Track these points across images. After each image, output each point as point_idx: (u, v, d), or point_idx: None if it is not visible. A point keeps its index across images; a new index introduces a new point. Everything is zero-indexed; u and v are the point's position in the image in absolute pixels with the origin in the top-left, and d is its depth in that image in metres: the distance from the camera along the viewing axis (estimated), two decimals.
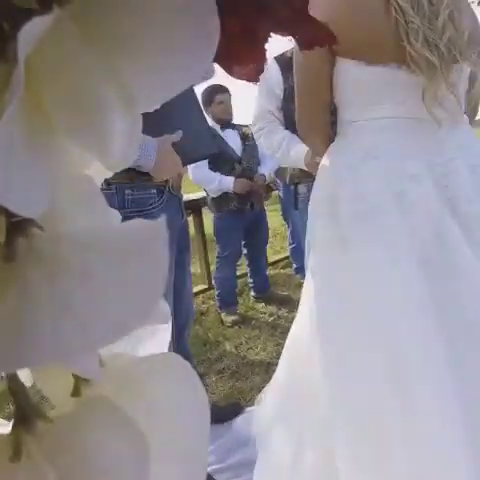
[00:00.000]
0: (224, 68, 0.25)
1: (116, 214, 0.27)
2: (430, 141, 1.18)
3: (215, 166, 3.12)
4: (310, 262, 1.30)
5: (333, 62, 1.20)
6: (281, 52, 2.17)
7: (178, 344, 1.82)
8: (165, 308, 0.26)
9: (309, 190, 1.44)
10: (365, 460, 1.11)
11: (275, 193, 4.10)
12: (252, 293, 3.69)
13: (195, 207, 3.80)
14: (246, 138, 3.34)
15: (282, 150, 2.01)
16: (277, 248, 5.03)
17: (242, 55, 0.25)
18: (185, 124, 1.55)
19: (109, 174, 0.27)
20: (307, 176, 1.92)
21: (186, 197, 3.42)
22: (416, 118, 1.17)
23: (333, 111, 1.28)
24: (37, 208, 0.18)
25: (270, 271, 4.38)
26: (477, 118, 1.48)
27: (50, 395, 0.23)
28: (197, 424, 0.23)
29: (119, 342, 0.20)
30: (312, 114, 1.28)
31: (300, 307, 1.39)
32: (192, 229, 3.80)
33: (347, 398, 1.15)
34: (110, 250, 0.18)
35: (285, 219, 4.12)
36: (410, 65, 1.12)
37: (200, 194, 3.69)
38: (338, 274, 1.20)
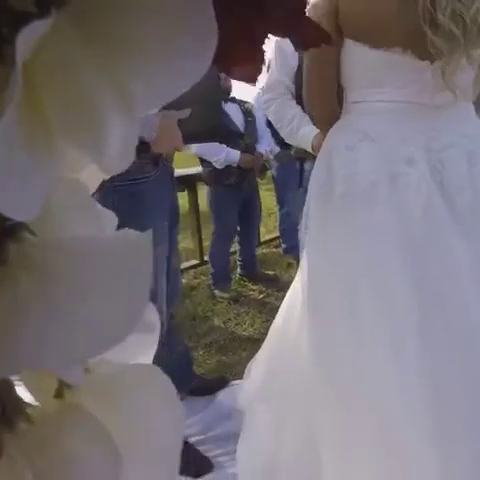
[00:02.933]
0: (222, 69, 0.25)
1: (111, 217, 0.27)
2: (429, 126, 1.18)
3: (220, 139, 3.11)
4: (305, 240, 1.32)
5: (341, 42, 1.20)
6: None
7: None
8: (152, 317, 0.26)
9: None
10: (346, 443, 1.14)
11: (269, 173, 4.10)
12: (239, 271, 3.71)
13: (190, 182, 3.79)
14: (248, 114, 3.34)
15: (291, 127, 1.96)
16: (270, 227, 5.04)
17: (240, 56, 0.25)
18: (195, 104, 1.54)
19: (102, 178, 0.26)
20: (312, 155, 1.90)
21: (181, 172, 3.40)
22: (416, 103, 1.18)
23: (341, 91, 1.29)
24: (31, 213, 0.17)
25: (262, 250, 4.40)
26: None
27: (34, 393, 0.23)
28: (170, 439, 0.24)
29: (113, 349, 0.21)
30: (319, 84, 1.29)
31: (293, 284, 1.41)
32: (186, 204, 3.81)
33: (332, 380, 1.18)
34: (99, 260, 0.18)
35: (278, 200, 4.12)
36: (415, 50, 1.12)
37: (195, 169, 3.66)
38: (329, 252, 1.22)
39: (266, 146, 3.42)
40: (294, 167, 2.87)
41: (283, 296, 1.50)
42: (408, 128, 1.18)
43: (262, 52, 0.25)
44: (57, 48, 0.18)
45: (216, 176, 3.26)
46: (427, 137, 1.18)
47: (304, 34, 0.26)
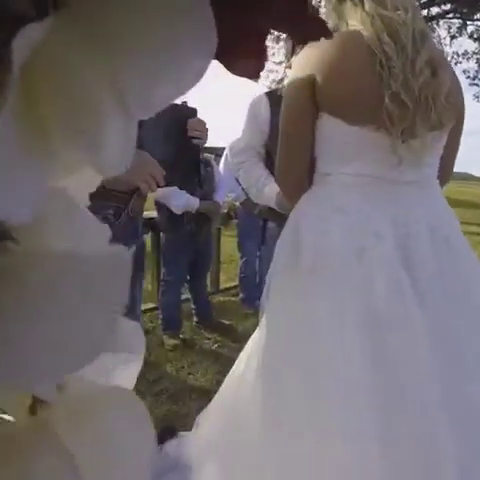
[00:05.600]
0: (224, 64, 0.25)
1: (102, 229, 0.26)
2: (397, 201, 1.23)
3: (179, 186, 3.13)
4: (266, 305, 1.33)
5: (317, 114, 1.24)
6: (273, 88, 2.21)
7: None
8: (136, 337, 0.26)
9: (278, 226, 1.45)
10: None
11: (234, 221, 4.14)
12: (194, 319, 3.67)
13: (154, 225, 3.78)
14: (207, 164, 3.40)
15: (257, 187, 2.04)
16: (231, 275, 5.02)
17: (242, 51, 0.25)
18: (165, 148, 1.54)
19: (93, 188, 0.26)
20: (276, 213, 1.94)
21: (147, 214, 3.39)
22: (387, 179, 1.22)
23: (312, 160, 1.31)
24: (25, 216, 0.17)
25: (219, 298, 4.38)
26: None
27: (7, 407, 0.22)
28: (137, 467, 0.23)
29: (90, 368, 0.20)
30: (291, 157, 1.31)
31: (251, 342, 1.41)
32: (148, 246, 3.78)
33: (280, 447, 1.17)
34: (77, 274, 0.18)
35: (239, 248, 4.15)
36: (387, 126, 1.16)
37: None
38: (288, 321, 1.23)
39: (223, 197, 3.47)
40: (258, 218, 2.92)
41: (238, 348, 1.49)
42: (378, 202, 1.22)
43: (264, 47, 0.25)
44: (56, 50, 0.18)
45: (173, 222, 3.23)
46: (395, 212, 1.21)
47: (305, 28, 0.26)
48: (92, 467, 0.20)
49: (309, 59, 1.23)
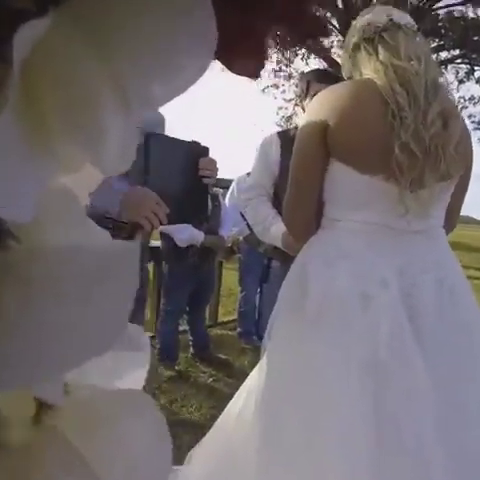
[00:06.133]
0: (224, 64, 0.25)
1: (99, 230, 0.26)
2: (405, 251, 1.23)
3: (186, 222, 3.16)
4: (268, 346, 1.32)
5: (328, 160, 1.25)
6: (285, 129, 2.23)
7: None
8: (142, 337, 0.26)
9: (283, 265, 1.45)
10: None
11: (236, 255, 4.15)
12: (191, 350, 3.64)
13: (157, 254, 3.78)
14: (215, 198, 3.43)
15: (264, 225, 2.05)
16: (229, 309, 4.99)
17: (242, 50, 0.24)
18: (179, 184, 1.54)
19: (93, 188, 0.26)
20: (281, 253, 1.95)
21: (151, 243, 3.41)
22: (394, 228, 1.23)
23: (320, 204, 1.32)
24: (26, 215, 0.17)
25: (217, 331, 4.35)
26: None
27: (11, 417, 0.21)
28: (156, 462, 0.22)
29: (98, 372, 0.20)
30: (300, 200, 1.33)
31: (250, 379, 1.40)
32: (150, 275, 3.77)
33: None
34: (84, 269, 0.17)
35: (240, 282, 4.15)
36: (396, 176, 1.17)
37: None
38: (291, 364, 1.23)
39: (228, 231, 3.50)
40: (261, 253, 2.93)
41: (233, 383, 1.49)
42: (384, 250, 1.23)
43: (264, 47, 0.25)
44: (56, 46, 0.18)
45: (177, 253, 3.26)
46: (401, 260, 1.22)
47: (305, 28, 0.26)
48: (107, 472, 0.19)
49: (323, 104, 1.25)
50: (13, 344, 0.15)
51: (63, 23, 0.18)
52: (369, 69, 1.27)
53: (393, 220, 1.23)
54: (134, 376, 0.26)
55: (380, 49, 1.25)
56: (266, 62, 0.26)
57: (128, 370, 0.25)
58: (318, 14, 0.26)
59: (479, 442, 1.16)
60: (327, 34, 0.27)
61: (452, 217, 1.39)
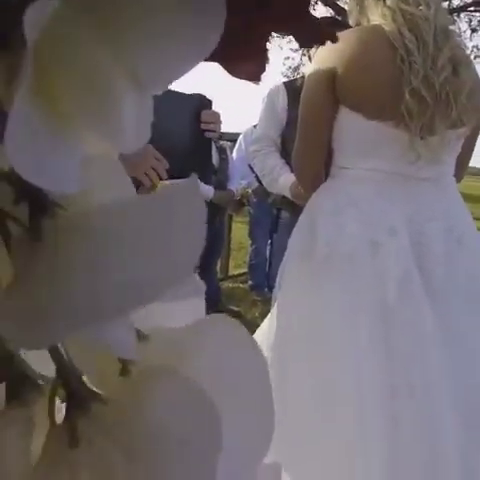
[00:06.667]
0: (224, 67, 0.25)
1: None
2: (413, 198, 1.23)
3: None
4: (278, 295, 1.33)
5: (336, 108, 1.23)
6: (291, 78, 2.21)
7: None
8: (200, 282, 0.25)
9: (292, 216, 1.44)
10: None
11: (246, 208, 4.15)
12: None
13: None
14: (222, 151, 3.41)
15: (272, 176, 2.04)
16: (239, 262, 5.02)
17: (243, 54, 0.24)
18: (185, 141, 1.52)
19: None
20: (290, 203, 1.95)
21: None
22: (404, 175, 1.22)
23: (329, 153, 1.31)
24: (71, 184, 0.17)
25: (228, 284, 4.39)
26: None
27: (94, 378, 0.21)
28: (259, 385, 0.22)
29: (160, 315, 0.20)
30: (309, 149, 1.31)
31: (259, 331, 1.41)
32: None
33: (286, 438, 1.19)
34: (146, 215, 0.17)
35: (250, 235, 4.16)
36: (406, 121, 1.16)
37: None
38: (300, 315, 1.24)
39: (237, 184, 3.48)
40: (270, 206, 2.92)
41: None
42: (393, 198, 1.22)
43: (265, 50, 0.25)
44: (66, 31, 0.18)
45: None
46: (410, 208, 1.22)
47: (308, 31, 0.26)
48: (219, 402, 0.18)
49: (330, 52, 1.22)
50: (76, 286, 0.16)
51: (71, 6, 0.18)
52: (377, 15, 1.24)
53: (403, 167, 1.22)
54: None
55: None
56: (267, 66, 0.25)
57: (187, 313, 0.24)
58: (319, 18, 0.26)
59: None
60: (332, 38, 0.27)
61: (462, 167, 1.37)
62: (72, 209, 0.19)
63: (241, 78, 0.26)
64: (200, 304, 0.26)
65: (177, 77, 0.21)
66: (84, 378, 0.20)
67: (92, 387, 0.19)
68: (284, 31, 0.26)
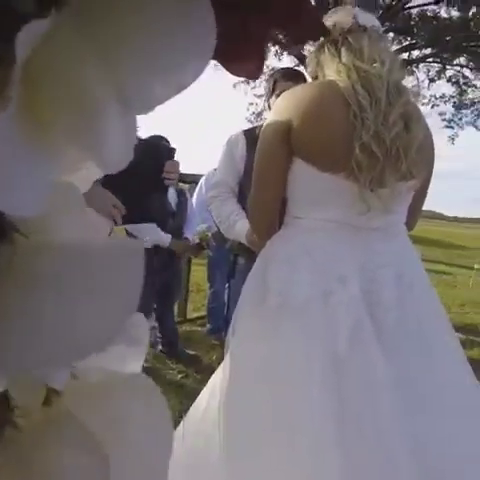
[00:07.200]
0: (223, 65, 0.25)
1: (103, 222, 0.27)
2: (365, 247, 1.25)
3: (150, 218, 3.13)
4: (231, 341, 1.33)
5: (291, 159, 1.26)
6: (251, 127, 2.27)
7: None
8: (140, 330, 0.27)
9: (248, 262, 1.45)
10: None
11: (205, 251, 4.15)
12: (160, 347, 3.62)
13: None
14: (181, 194, 3.43)
15: (228, 222, 2.07)
16: (198, 305, 4.99)
17: (240, 52, 0.25)
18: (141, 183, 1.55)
19: (89, 185, 0.26)
20: (246, 249, 1.96)
21: None
22: (354, 225, 1.25)
23: (284, 202, 1.33)
24: (32, 208, 0.17)
25: (187, 327, 4.35)
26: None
27: (21, 401, 0.22)
28: (158, 444, 0.23)
29: (101, 357, 0.20)
30: (263, 199, 1.34)
31: (215, 376, 1.40)
32: None
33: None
34: (89, 264, 0.18)
35: (208, 279, 4.15)
36: (356, 173, 1.19)
37: None
38: (253, 363, 1.24)
39: (194, 229, 3.51)
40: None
41: (202, 380, 1.49)
42: (345, 247, 1.25)
43: (262, 48, 0.25)
44: (57, 48, 0.18)
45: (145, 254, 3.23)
46: (363, 256, 1.24)
47: (302, 29, 0.26)
48: (115, 450, 0.20)
49: (288, 104, 1.26)
50: (14, 337, 0.16)
51: (63, 24, 0.18)
52: (332, 70, 1.28)
53: (354, 217, 1.25)
54: (130, 366, 0.27)
55: (343, 51, 1.27)
56: (264, 63, 0.26)
57: (125, 360, 0.26)
58: (315, 17, 0.27)
59: (441, 431, 1.18)
60: (326, 34, 0.27)
61: (412, 217, 1.41)
62: (32, 235, 0.20)
63: (239, 76, 0.26)
64: (140, 352, 0.27)
65: (161, 101, 0.21)
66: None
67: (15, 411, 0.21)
68: (280, 29, 0.26)
